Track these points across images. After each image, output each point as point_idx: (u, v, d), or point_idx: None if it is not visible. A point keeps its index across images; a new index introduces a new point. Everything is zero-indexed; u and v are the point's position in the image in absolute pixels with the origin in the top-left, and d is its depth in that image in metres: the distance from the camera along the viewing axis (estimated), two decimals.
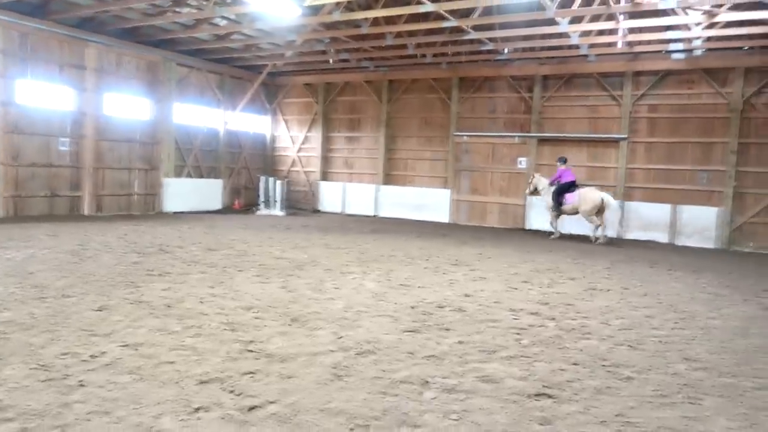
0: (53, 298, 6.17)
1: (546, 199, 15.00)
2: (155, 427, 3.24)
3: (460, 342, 5.18)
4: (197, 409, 3.49)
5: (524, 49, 16.41)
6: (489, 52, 16.86)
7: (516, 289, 7.86)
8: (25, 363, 4.15)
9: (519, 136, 17.71)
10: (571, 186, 14.42)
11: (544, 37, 14.80)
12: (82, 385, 3.78)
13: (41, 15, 14.90)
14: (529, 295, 7.44)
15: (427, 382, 4.11)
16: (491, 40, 15.35)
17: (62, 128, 16.11)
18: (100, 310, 5.71)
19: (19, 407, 3.40)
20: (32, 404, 3.45)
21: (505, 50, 16.53)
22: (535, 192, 15.34)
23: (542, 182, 15.11)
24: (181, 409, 3.49)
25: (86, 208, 16.51)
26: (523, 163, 17.59)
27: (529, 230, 16.83)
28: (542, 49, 16.12)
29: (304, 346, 4.82)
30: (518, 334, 5.56)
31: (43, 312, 5.57)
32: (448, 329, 5.59)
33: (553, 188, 14.65)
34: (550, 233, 15.39)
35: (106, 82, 16.92)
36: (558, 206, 14.56)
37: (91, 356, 4.34)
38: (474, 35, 14.62)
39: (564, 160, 14.80)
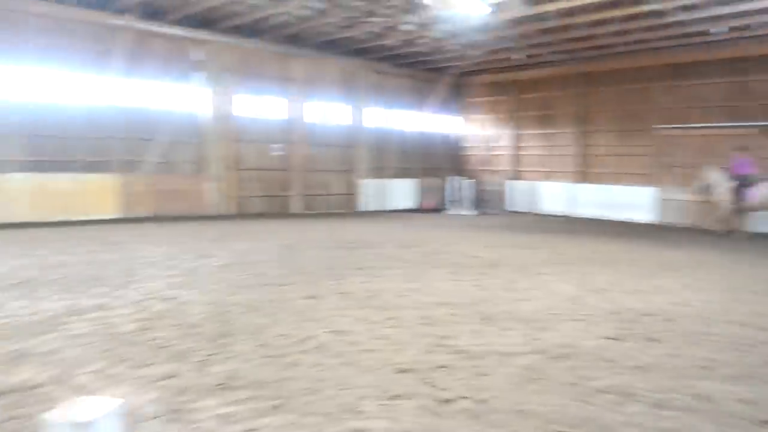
0: (273, 285, 6.98)
1: (721, 192, 13.15)
2: (358, 407, 3.48)
3: (670, 354, 4.72)
4: (395, 396, 3.67)
5: (739, 28, 14.32)
6: (698, 34, 15.03)
7: (737, 300, 6.91)
8: (252, 340, 4.76)
9: (737, 126, 15.51)
10: (747, 178, 12.58)
11: (762, 11, 12.74)
12: (296, 364, 4.22)
13: (255, 35, 16.92)
14: (755, 308, 6.49)
15: (630, 394, 3.82)
16: (701, 20, 13.67)
17: (274, 136, 18.14)
18: (311, 299, 6.31)
19: (248, 378, 3.91)
20: (257, 376, 3.94)
21: (714, 30, 14.53)
22: (709, 191, 13.50)
23: (718, 177, 13.30)
24: (381, 394, 3.70)
25: (295, 207, 18.34)
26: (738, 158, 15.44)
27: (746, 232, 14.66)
28: (762, 25, 13.88)
29: (495, 345, 4.80)
30: (742, 350, 4.89)
31: (265, 297, 6.33)
32: (655, 339, 5.12)
33: (729, 182, 12.97)
34: (728, 232, 13.46)
35: (310, 92, 18.67)
36: (739, 201, 12.86)
37: (304, 339, 4.82)
38: (681, 16, 13.15)
39: (744, 149, 13.01)
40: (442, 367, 4.25)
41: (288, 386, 3.79)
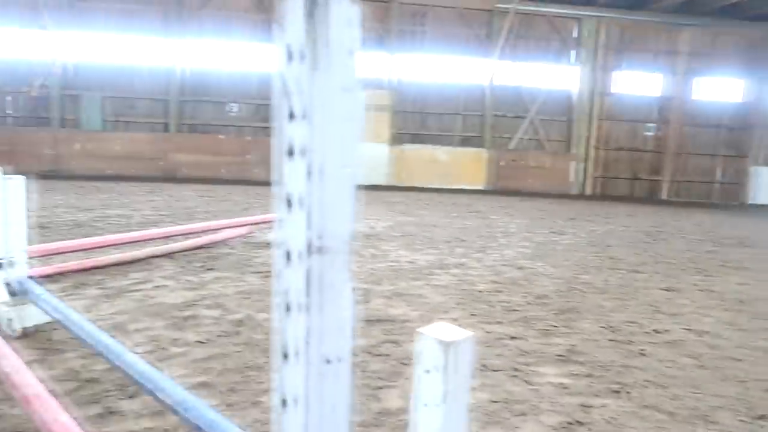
0: (625, 271, 6.61)
1: None
2: (712, 417, 3.07)
3: None
4: (761, 417, 3.10)
5: None
6: None
7: None
8: (597, 321, 4.63)
9: None
10: None
11: None
12: (642, 354, 3.94)
13: (639, 7, 15.70)
14: None
15: None
16: None
17: (648, 114, 16.73)
18: (667, 291, 5.76)
19: (588, 355, 3.85)
20: (599, 357, 3.84)
21: None
22: None
23: None
24: (743, 409, 3.17)
25: (664, 193, 16.73)
26: None
27: None
28: None
29: None
30: None
31: (615, 281, 6.06)
32: None
33: None
34: None
35: (697, 66, 16.51)
36: None
37: (654, 330, 4.45)
38: None
39: None
40: None
41: (631, 374, 3.58)
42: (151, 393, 2.22)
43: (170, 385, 2.20)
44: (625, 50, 16.36)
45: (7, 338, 3.38)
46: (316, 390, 0.90)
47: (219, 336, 3.82)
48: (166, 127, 16.88)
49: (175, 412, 2.12)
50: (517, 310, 4.82)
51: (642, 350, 4.02)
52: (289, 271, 0.87)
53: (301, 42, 0.79)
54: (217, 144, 16.71)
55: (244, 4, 16.76)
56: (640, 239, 8.99)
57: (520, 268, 6.53)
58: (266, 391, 3.03)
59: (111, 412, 2.73)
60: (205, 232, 6.84)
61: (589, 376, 3.51)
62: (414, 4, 16.01)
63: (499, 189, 16.49)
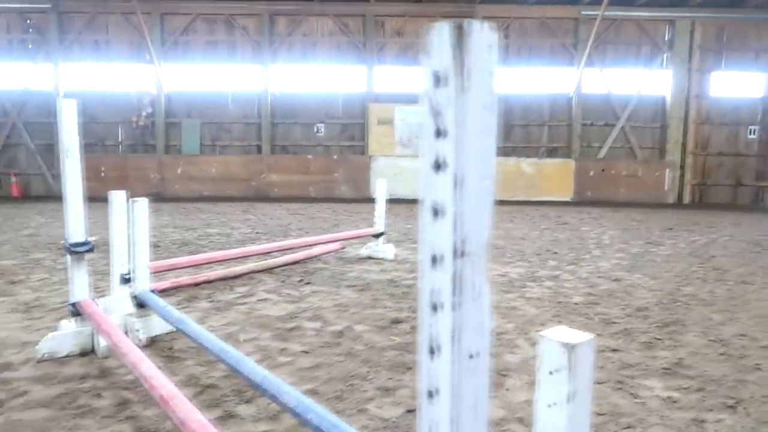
0: (733, 282, 6.24)
1: None
2: None
3: None
4: None
5: None
6: None
7: None
8: (704, 334, 4.42)
9: None
10: None
11: None
12: (758, 368, 3.72)
13: (737, 4, 14.86)
14: None
15: None
16: None
17: (751, 116, 15.72)
18: None
19: (697, 369, 3.68)
20: (709, 371, 3.67)
21: None
22: None
23: None
24: None
25: None
26: None
27: None
28: None
29: None
30: None
31: (722, 293, 5.74)
32: None
33: None
34: None
35: None
36: None
37: None
38: None
39: None
40: None
41: (747, 389, 3.40)
42: (273, 397, 2.38)
43: (290, 389, 2.36)
44: (723, 50, 15.48)
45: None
46: (460, 383, 0.99)
47: (321, 346, 4.00)
48: (258, 149, 17.76)
49: (296, 415, 2.27)
50: (617, 323, 4.69)
51: (757, 364, 3.79)
52: (435, 273, 0.97)
53: (447, 68, 0.89)
54: (306, 164, 17.36)
55: (330, 27, 17.40)
56: (747, 249, 8.44)
57: (617, 280, 6.33)
58: (371, 399, 3.15)
59: (231, 416, 2.94)
60: (299, 248, 7.15)
61: (700, 390, 3.37)
62: (496, 17, 16.00)
63: (589, 200, 15.97)
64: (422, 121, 0.95)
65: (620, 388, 3.35)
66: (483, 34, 0.89)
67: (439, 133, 0.92)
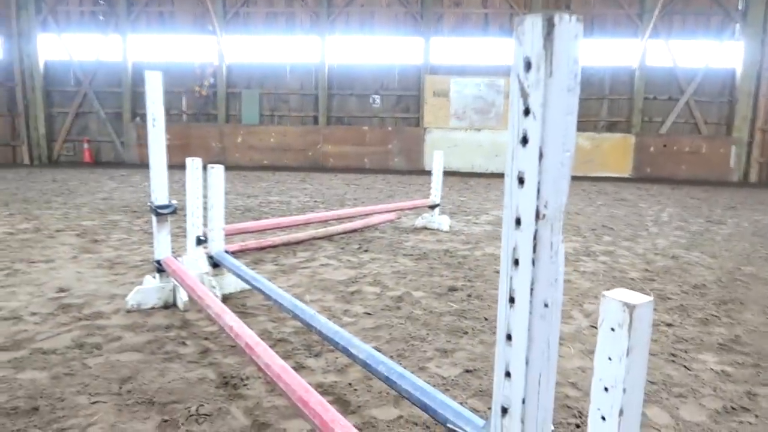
0: None
1: None
2: None
3: None
4: None
5: None
6: None
7: None
8: (764, 313, 4.40)
9: None
10: None
11: None
12: None
13: None
14: None
15: None
16: None
17: None
18: None
19: (753, 346, 3.71)
20: (766, 348, 3.69)
21: None
22: None
23: None
24: None
25: None
26: None
27: None
28: None
29: None
30: None
31: None
32: None
33: None
34: None
35: None
36: None
37: None
38: None
39: None
40: None
41: None
42: (344, 349, 2.61)
43: (361, 343, 2.58)
44: None
45: None
46: (536, 328, 1.15)
47: (382, 309, 4.22)
48: (315, 120, 18.08)
49: (366, 365, 2.49)
50: (672, 299, 4.71)
51: None
52: (518, 233, 1.13)
53: (538, 54, 1.03)
54: (361, 135, 17.57)
55: None
56: None
57: (674, 257, 6.28)
58: (430, 359, 3.35)
59: (302, 367, 3.20)
60: (357, 216, 7.39)
61: (755, 366, 3.41)
62: None
63: (648, 176, 15.56)
64: (509, 99, 1.09)
65: (673, 361, 3.44)
66: (571, 26, 1.02)
67: (528, 112, 1.06)
